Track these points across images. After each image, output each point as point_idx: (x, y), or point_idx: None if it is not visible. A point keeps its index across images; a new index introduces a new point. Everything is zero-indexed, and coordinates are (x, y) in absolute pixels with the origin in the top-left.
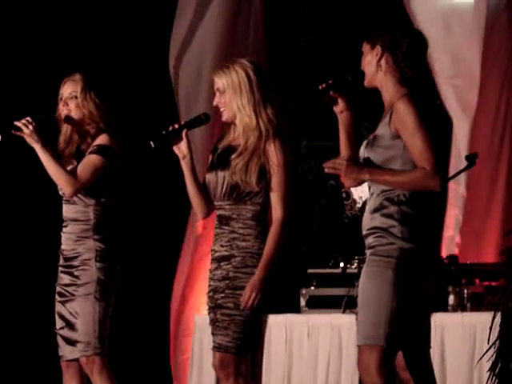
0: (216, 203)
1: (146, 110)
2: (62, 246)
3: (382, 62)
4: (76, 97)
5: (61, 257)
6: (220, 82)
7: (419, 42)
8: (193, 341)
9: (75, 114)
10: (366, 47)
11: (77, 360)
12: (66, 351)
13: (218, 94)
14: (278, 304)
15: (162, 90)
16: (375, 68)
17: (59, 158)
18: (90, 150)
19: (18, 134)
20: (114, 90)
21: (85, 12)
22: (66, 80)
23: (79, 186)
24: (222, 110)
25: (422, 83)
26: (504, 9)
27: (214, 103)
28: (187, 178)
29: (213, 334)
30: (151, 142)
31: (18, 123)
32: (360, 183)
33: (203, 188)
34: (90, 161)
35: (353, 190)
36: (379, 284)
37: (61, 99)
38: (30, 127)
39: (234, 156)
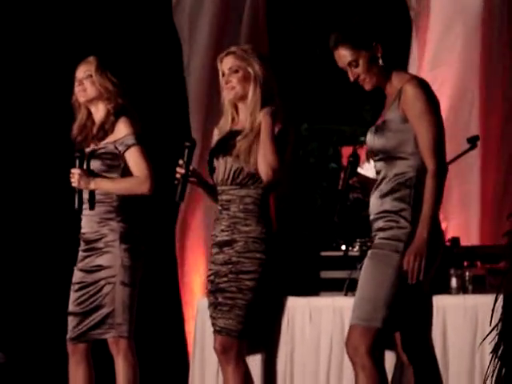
0: (219, 188)
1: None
2: (83, 230)
3: (380, 57)
4: (91, 75)
5: (81, 241)
6: (236, 61)
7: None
8: (195, 324)
9: (91, 92)
10: (351, 55)
11: (86, 343)
12: (88, 333)
13: (228, 72)
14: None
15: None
16: (378, 68)
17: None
18: (122, 141)
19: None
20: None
21: (90, 7)
22: (80, 63)
23: (149, 181)
24: (229, 87)
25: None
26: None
27: (224, 81)
28: (205, 195)
29: (213, 317)
30: (177, 199)
31: (73, 182)
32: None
33: (215, 193)
34: (136, 155)
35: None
36: (383, 266)
37: (76, 82)
38: (77, 176)
39: (239, 138)
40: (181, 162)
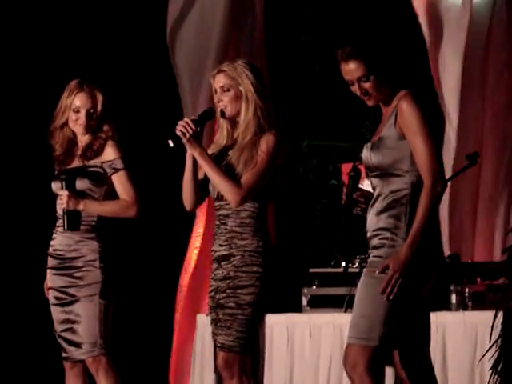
0: (216, 204)
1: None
2: (57, 247)
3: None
4: (96, 112)
5: (51, 258)
6: (226, 80)
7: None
8: (194, 340)
9: (90, 127)
10: (363, 70)
11: (82, 361)
12: (72, 353)
13: (219, 91)
14: (280, 303)
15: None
16: (384, 85)
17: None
18: (111, 164)
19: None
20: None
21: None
22: (84, 92)
23: (136, 205)
24: (223, 107)
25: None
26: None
27: (216, 100)
28: (188, 172)
29: (215, 333)
30: (170, 142)
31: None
32: None
33: (199, 185)
34: (124, 179)
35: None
36: (379, 284)
37: (75, 111)
38: (65, 198)
39: (232, 153)
40: (193, 118)
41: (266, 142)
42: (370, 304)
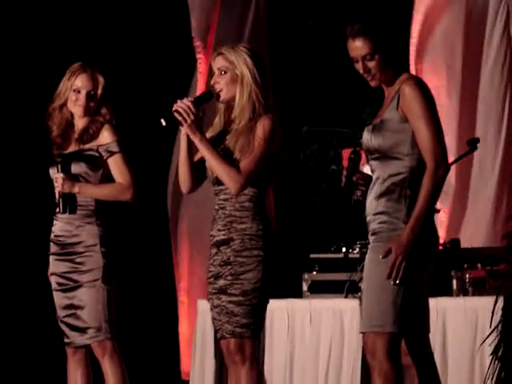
0: (215, 188)
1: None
2: (58, 233)
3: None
4: (96, 94)
5: (53, 244)
6: (224, 62)
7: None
8: (196, 326)
9: (89, 109)
10: (370, 48)
11: (85, 347)
12: (75, 338)
13: (217, 72)
14: (281, 289)
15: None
16: (390, 67)
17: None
18: (106, 147)
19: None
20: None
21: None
22: (86, 73)
23: (132, 188)
24: (219, 90)
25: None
26: None
27: (212, 82)
28: (184, 152)
29: (219, 320)
30: (162, 120)
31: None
32: None
33: (195, 166)
34: (120, 162)
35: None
36: (384, 270)
37: (76, 91)
38: (60, 181)
39: (228, 138)
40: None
41: (262, 127)
42: (378, 291)
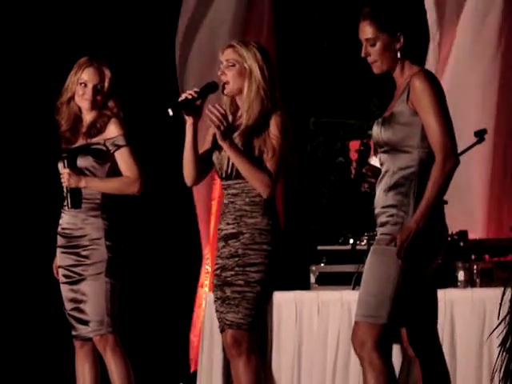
0: (224, 183)
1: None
2: (64, 226)
3: (400, 45)
4: (103, 87)
5: (60, 237)
6: (234, 55)
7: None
8: (203, 318)
9: (96, 103)
10: (372, 33)
11: (91, 339)
12: (80, 331)
13: (225, 64)
14: (288, 281)
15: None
16: (395, 54)
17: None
18: (113, 141)
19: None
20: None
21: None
22: (92, 67)
23: (139, 182)
24: (225, 81)
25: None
26: None
27: (220, 73)
28: (188, 145)
29: (221, 311)
30: (169, 110)
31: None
32: None
33: (199, 158)
34: (126, 156)
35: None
36: (387, 262)
37: (83, 85)
38: (66, 176)
39: (236, 134)
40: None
41: (276, 126)
42: (378, 282)
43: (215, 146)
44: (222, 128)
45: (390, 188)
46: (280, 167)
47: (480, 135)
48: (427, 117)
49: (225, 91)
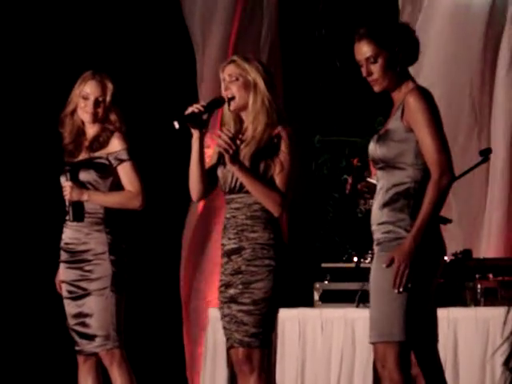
0: (227, 197)
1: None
2: (67, 241)
3: (399, 60)
4: (104, 101)
5: (63, 252)
6: (236, 69)
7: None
8: (206, 334)
9: (97, 117)
10: (372, 51)
11: (95, 355)
12: (85, 346)
13: (228, 79)
14: (292, 298)
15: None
16: (393, 72)
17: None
18: (116, 155)
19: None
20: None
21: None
22: (94, 80)
23: (141, 196)
24: (231, 96)
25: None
26: None
27: (224, 89)
28: (194, 159)
29: (229, 329)
30: (175, 123)
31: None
32: None
33: (206, 172)
34: (129, 170)
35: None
36: (390, 279)
37: (84, 97)
38: (68, 189)
39: (242, 147)
40: (204, 103)
41: (284, 141)
42: (385, 300)
43: (220, 161)
44: (230, 152)
45: (385, 204)
46: (289, 182)
47: (485, 154)
48: (422, 134)
49: (231, 107)
